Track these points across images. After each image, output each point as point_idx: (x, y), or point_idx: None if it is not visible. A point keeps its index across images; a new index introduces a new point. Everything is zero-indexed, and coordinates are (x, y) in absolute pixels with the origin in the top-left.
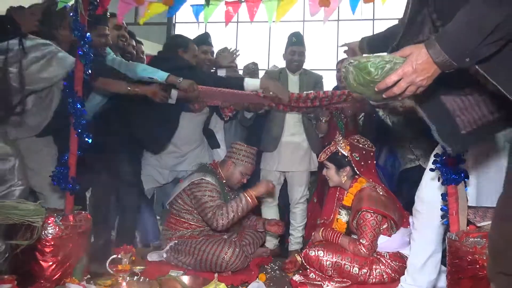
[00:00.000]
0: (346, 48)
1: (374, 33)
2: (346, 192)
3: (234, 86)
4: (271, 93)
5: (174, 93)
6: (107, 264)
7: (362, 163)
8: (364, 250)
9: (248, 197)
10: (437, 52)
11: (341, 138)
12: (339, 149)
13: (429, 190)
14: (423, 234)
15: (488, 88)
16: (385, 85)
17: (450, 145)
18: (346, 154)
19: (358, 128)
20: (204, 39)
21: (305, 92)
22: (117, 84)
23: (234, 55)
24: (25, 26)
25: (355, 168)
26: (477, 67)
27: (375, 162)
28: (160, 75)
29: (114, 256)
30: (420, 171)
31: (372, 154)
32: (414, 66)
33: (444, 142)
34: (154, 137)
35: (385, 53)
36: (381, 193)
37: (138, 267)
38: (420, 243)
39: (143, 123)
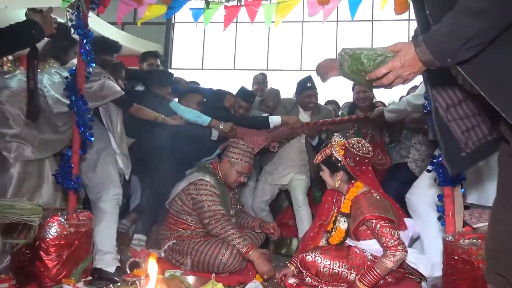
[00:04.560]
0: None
1: None
2: (343, 198)
3: (261, 123)
4: (289, 126)
5: (215, 133)
6: (126, 266)
7: (357, 168)
8: (397, 251)
9: (246, 252)
10: (423, 51)
11: (337, 140)
12: (334, 152)
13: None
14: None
15: (487, 107)
16: (375, 76)
17: (452, 166)
18: (339, 159)
19: (384, 139)
20: (246, 96)
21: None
22: (148, 112)
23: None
24: (47, 30)
25: (351, 173)
26: (458, 68)
27: (370, 168)
28: (204, 120)
29: (132, 259)
30: (406, 170)
31: (367, 160)
32: (403, 61)
33: (448, 163)
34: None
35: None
36: (378, 197)
37: None
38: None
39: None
